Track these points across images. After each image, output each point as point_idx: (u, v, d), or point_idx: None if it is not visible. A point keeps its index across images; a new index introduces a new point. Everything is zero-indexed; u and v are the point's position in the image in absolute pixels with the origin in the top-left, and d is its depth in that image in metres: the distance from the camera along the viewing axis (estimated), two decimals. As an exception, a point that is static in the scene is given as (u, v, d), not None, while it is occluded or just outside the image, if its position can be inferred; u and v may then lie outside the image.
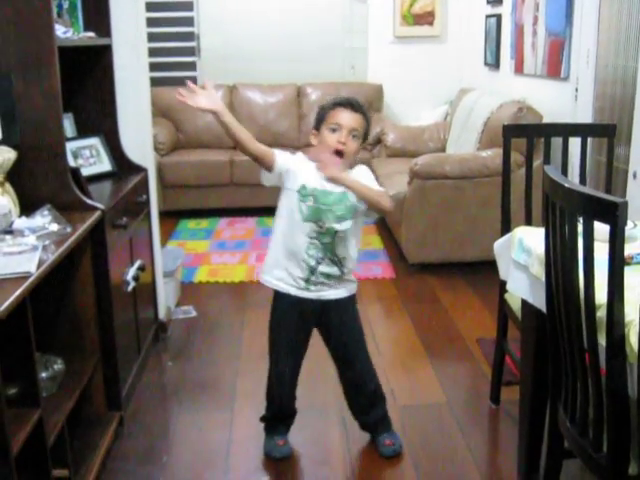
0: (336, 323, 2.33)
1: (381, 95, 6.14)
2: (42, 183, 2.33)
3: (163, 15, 5.89)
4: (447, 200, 4.10)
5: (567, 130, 2.60)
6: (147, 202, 3.11)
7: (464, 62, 6.09)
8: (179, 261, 3.76)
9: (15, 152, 2.18)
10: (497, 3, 5.37)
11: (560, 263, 1.61)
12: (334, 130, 2.17)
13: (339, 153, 2.17)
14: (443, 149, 5.37)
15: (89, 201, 2.38)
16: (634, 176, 3.37)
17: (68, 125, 2.86)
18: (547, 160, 2.50)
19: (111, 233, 2.46)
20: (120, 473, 2.36)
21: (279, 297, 2.30)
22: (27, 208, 2.17)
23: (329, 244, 2.20)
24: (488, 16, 5.57)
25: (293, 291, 2.25)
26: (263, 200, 5.61)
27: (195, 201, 5.56)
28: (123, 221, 2.57)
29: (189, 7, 6.08)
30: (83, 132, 2.93)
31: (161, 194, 5.06)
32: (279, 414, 2.46)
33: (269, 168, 2.20)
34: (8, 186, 2.18)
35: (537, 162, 3.02)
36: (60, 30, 2.46)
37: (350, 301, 2.34)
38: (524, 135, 2.59)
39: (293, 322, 2.31)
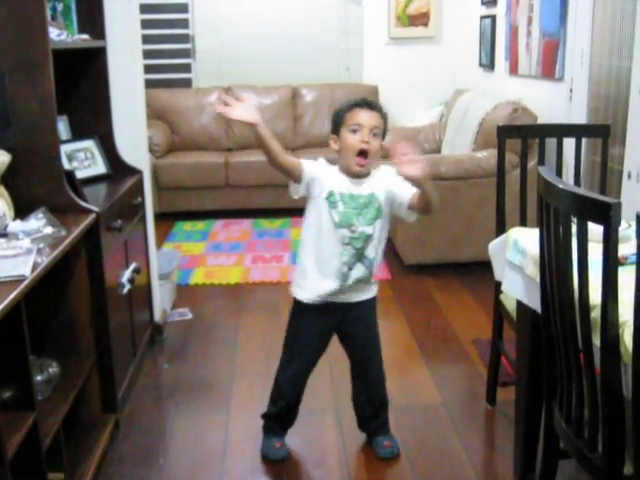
0: (357, 324, 2.34)
1: (376, 96, 6.13)
2: (36, 186, 2.33)
3: (158, 17, 5.89)
4: (442, 201, 4.03)
5: (561, 131, 2.61)
6: (142, 204, 3.10)
7: (459, 63, 6.10)
8: (175, 263, 3.75)
9: (9, 155, 2.18)
10: (492, 4, 5.38)
11: (555, 264, 1.62)
12: (355, 131, 2.15)
13: (364, 153, 2.15)
14: (438, 150, 5.37)
15: (84, 204, 2.38)
16: (629, 176, 3.38)
17: (63, 128, 2.85)
18: (542, 161, 2.51)
19: (106, 236, 2.45)
20: (116, 476, 2.36)
21: (300, 303, 2.30)
22: (21, 211, 2.17)
23: (362, 248, 2.19)
24: (483, 17, 5.59)
25: (320, 300, 2.25)
26: (258, 202, 5.67)
27: (190, 203, 5.56)
28: (118, 224, 2.57)
29: (184, 9, 6.07)
30: (78, 135, 2.93)
31: (156, 196, 5.06)
32: (283, 414, 2.45)
33: (297, 179, 2.17)
34: (2, 189, 2.18)
35: (532, 163, 3.03)
36: (54, 33, 2.45)
37: (373, 302, 2.35)
38: (518, 136, 2.59)
39: (315, 327, 2.32)
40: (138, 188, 3.03)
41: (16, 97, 2.26)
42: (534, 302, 1.92)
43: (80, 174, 2.67)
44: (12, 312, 1.66)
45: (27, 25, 2.22)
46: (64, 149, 2.66)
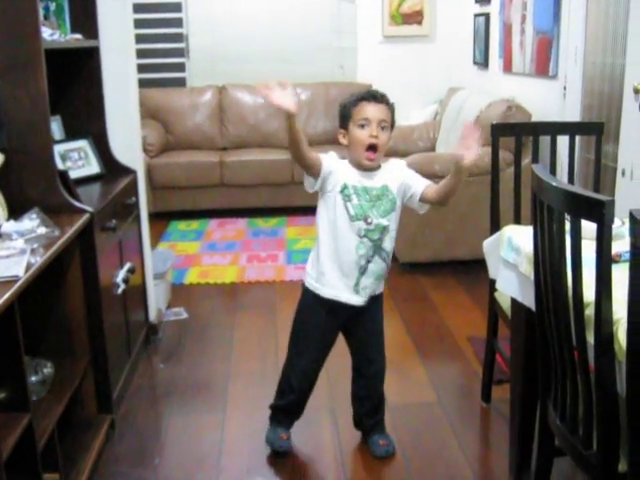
0: (365, 319, 2.34)
1: (371, 95, 6.13)
2: (30, 186, 2.32)
3: (151, 16, 5.88)
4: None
5: (555, 128, 2.61)
6: (136, 204, 3.09)
7: (453, 61, 6.10)
8: (169, 263, 3.75)
9: (2, 155, 2.17)
10: (485, 2, 5.38)
11: (549, 262, 1.62)
12: (363, 126, 2.15)
13: (373, 147, 2.15)
14: (433, 148, 5.38)
15: (77, 204, 2.37)
16: (622, 174, 3.39)
17: (56, 128, 2.85)
18: (536, 159, 2.51)
19: (100, 236, 2.45)
20: (112, 476, 2.35)
21: (311, 295, 2.29)
22: (15, 211, 2.17)
23: (379, 240, 2.20)
24: (476, 15, 5.59)
25: (344, 298, 2.25)
26: (253, 201, 5.68)
27: (185, 202, 5.55)
28: (112, 223, 2.56)
29: (177, 8, 6.06)
30: (71, 134, 2.92)
31: (151, 196, 5.04)
32: (291, 408, 2.44)
33: (316, 174, 2.16)
34: (-5, 189, 2.17)
35: (526, 160, 3.03)
36: (47, 32, 2.45)
37: (382, 297, 2.37)
38: (512, 134, 2.59)
39: (327, 321, 2.31)
40: (132, 188, 3.02)
41: (9, 97, 2.25)
42: (528, 300, 1.92)
43: (74, 174, 2.67)
44: (6, 313, 1.65)
45: (19, 25, 2.21)
46: (57, 149, 2.66)
